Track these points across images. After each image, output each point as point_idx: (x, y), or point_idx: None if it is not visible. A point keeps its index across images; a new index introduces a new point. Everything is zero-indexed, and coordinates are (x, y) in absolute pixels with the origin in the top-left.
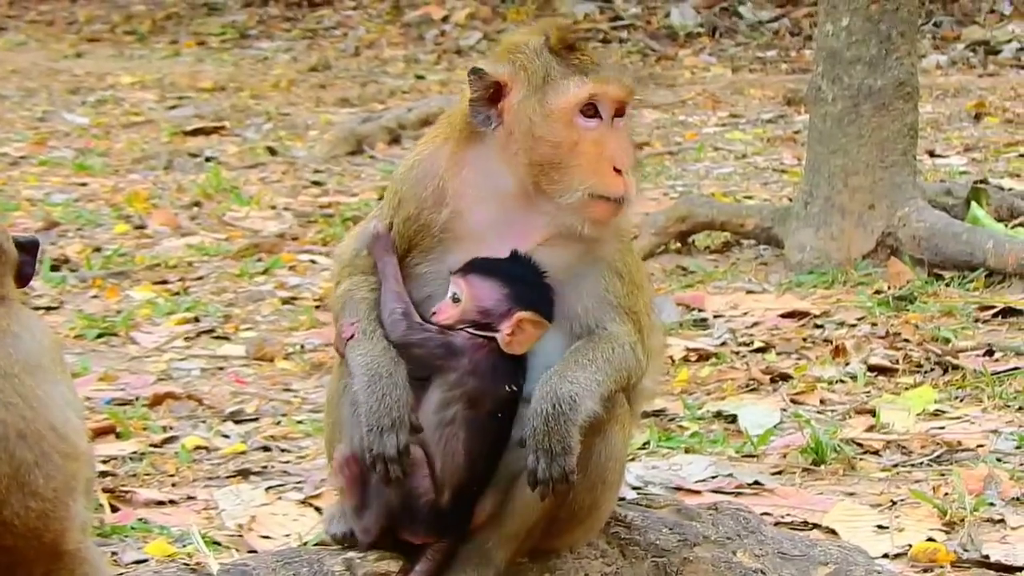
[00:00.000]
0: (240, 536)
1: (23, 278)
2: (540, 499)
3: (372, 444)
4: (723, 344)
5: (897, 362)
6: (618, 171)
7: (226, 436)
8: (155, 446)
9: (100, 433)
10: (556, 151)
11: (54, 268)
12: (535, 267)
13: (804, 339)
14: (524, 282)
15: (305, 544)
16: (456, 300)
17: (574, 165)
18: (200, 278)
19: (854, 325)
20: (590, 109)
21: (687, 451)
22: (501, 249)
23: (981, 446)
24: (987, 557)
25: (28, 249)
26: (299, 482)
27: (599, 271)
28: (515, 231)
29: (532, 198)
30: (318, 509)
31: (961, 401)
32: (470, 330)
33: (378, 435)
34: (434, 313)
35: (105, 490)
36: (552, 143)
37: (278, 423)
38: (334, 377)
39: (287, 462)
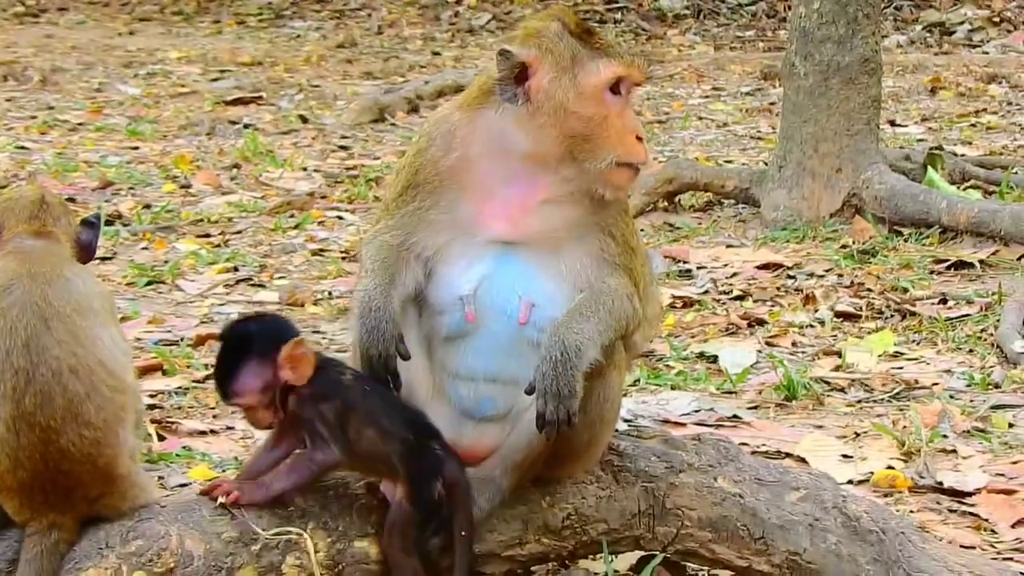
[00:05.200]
0: None
1: (85, 249)
2: (546, 439)
3: (366, 369)
4: (705, 292)
5: (861, 309)
6: (639, 139)
7: None
8: (198, 382)
9: (149, 370)
10: (587, 124)
11: (108, 223)
12: (241, 326)
13: (778, 288)
14: (248, 338)
15: None
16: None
17: (603, 136)
18: (239, 232)
19: (822, 276)
20: (615, 87)
21: (673, 388)
22: (505, 203)
23: (936, 384)
24: (941, 483)
25: (91, 225)
26: None
27: (595, 233)
28: (520, 187)
29: (547, 161)
30: None
31: (918, 344)
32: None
33: (367, 364)
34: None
35: (153, 421)
36: (584, 117)
37: None
38: None
39: None
